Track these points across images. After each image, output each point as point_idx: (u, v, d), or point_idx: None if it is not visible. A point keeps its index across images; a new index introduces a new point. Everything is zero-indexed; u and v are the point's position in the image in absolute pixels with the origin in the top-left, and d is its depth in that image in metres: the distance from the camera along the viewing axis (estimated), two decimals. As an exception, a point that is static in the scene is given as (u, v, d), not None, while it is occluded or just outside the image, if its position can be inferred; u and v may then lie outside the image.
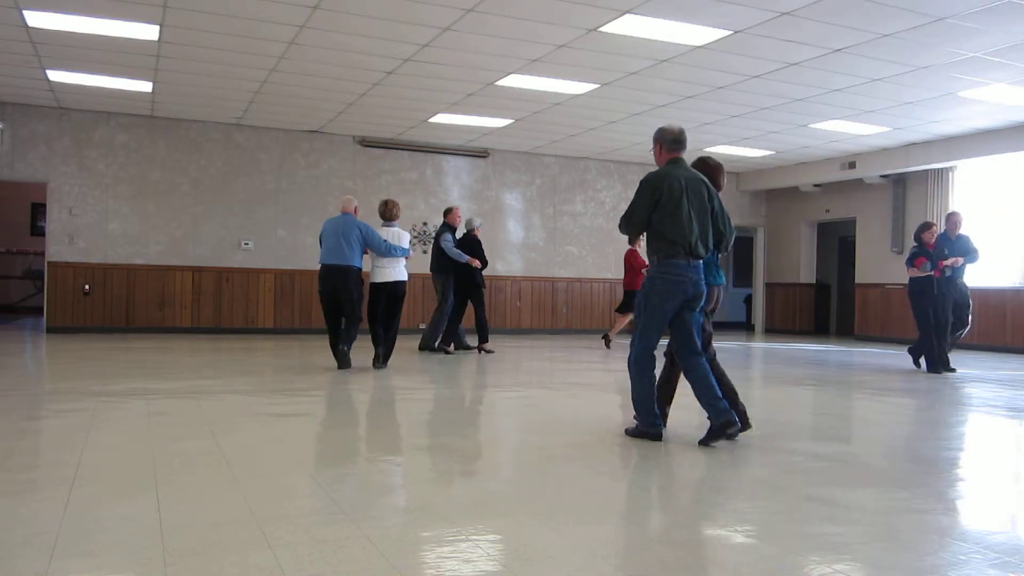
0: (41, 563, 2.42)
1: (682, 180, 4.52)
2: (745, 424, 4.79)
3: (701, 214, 4.54)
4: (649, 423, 4.64)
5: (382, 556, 2.55)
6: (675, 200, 4.47)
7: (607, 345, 11.64)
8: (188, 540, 2.66)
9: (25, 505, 3.07)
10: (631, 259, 11.29)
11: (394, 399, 6.48)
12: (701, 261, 4.58)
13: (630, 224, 4.65)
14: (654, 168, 4.73)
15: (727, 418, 4.46)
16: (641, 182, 4.60)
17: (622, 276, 11.80)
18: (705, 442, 4.50)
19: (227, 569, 2.41)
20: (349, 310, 7.86)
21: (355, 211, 8.15)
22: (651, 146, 4.81)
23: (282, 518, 2.93)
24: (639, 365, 4.63)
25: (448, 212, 10.51)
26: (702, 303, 4.66)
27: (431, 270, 10.47)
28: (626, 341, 11.88)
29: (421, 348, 10.39)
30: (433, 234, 13.94)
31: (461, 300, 10.35)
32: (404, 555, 2.60)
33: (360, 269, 7.94)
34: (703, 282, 4.60)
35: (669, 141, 4.68)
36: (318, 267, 8.03)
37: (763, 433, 5.30)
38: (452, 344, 10.47)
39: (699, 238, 4.52)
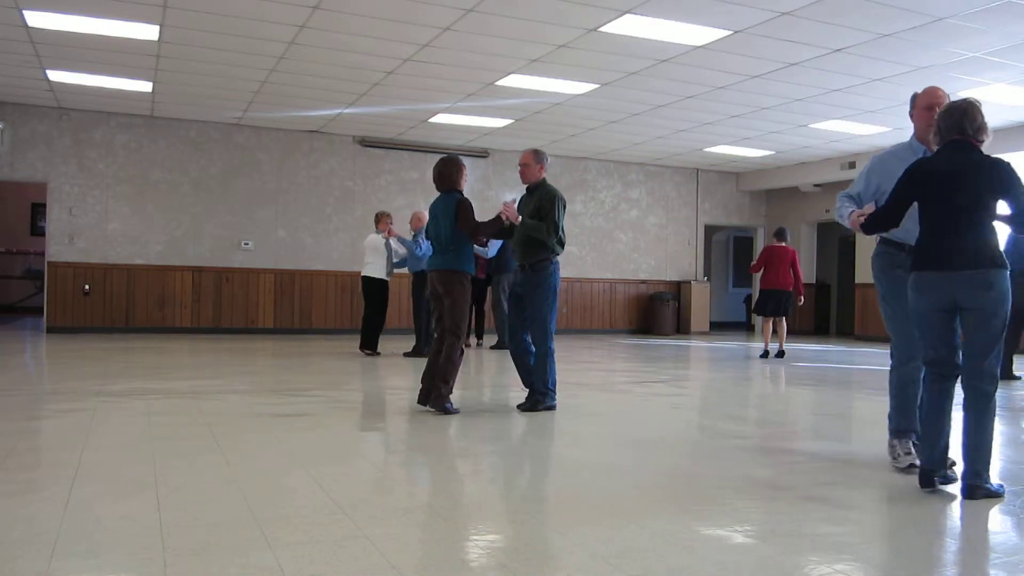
0: (41, 563, 2.42)
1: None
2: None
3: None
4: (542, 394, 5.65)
5: (382, 556, 2.54)
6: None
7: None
8: (188, 540, 2.66)
9: (25, 505, 3.07)
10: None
11: (394, 399, 6.48)
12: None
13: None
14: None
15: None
16: (559, 197, 5.61)
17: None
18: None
19: (227, 569, 2.41)
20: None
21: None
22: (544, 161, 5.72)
23: (282, 518, 2.93)
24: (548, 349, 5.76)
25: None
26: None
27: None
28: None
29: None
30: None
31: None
32: (404, 555, 2.60)
33: (419, 272, 9.10)
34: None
35: (547, 160, 5.88)
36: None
37: (763, 433, 5.31)
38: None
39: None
